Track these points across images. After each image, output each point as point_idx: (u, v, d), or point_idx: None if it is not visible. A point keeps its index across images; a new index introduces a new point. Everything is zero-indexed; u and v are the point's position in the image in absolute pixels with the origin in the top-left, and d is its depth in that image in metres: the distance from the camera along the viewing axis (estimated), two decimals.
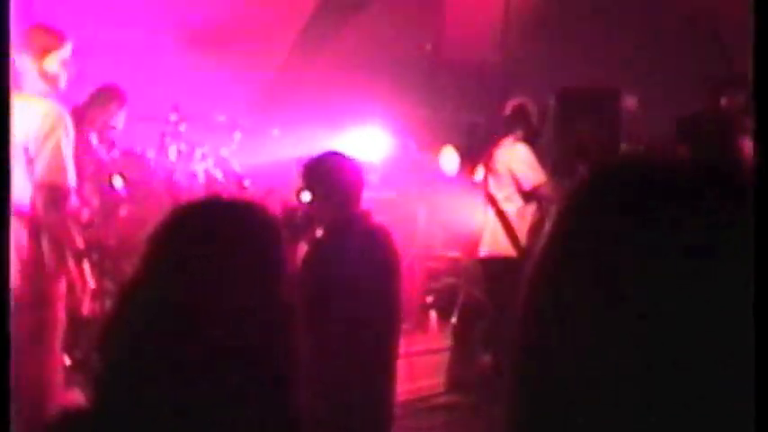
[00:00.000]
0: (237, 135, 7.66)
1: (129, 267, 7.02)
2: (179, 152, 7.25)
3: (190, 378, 1.78)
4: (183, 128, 7.27)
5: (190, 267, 1.88)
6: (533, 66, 8.33)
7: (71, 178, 4.88)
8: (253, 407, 1.80)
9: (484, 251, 6.76)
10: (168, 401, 1.78)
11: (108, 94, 6.74)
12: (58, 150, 4.83)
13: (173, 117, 7.24)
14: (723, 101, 6.76)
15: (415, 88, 8.65)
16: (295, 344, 1.90)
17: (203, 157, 7.45)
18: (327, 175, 4.68)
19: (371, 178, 7.91)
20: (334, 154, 4.85)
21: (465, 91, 7.50)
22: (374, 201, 7.36)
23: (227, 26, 8.30)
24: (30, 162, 4.75)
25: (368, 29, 9.00)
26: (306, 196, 4.63)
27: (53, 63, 4.96)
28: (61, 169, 4.83)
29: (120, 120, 6.81)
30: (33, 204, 4.75)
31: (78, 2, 6.88)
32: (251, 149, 7.71)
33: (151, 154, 7.25)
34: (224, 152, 7.61)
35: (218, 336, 1.81)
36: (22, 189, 4.71)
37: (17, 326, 4.70)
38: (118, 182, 6.65)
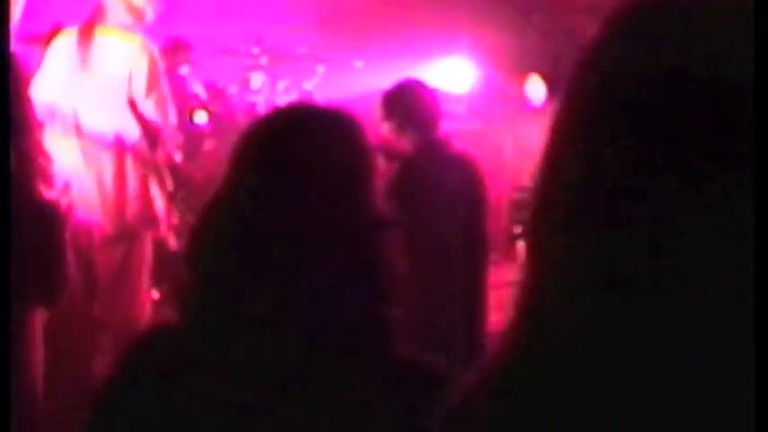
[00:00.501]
0: (320, 68, 7.59)
1: None
2: (261, 85, 7.21)
3: (282, 287, 1.73)
4: (264, 61, 7.22)
5: (281, 173, 1.81)
6: None
7: (173, 118, 4.91)
8: (350, 319, 1.73)
9: None
10: (258, 314, 1.72)
11: (173, 46, 6.68)
12: (162, 90, 4.85)
13: (254, 50, 7.19)
14: None
15: (500, 17, 8.50)
16: (395, 251, 1.83)
17: (286, 90, 7.40)
18: (403, 102, 4.75)
19: (458, 109, 7.83)
20: (410, 82, 4.93)
21: (551, 18, 7.32)
22: (460, 132, 7.28)
23: None
24: (132, 97, 4.75)
25: None
26: (386, 127, 4.68)
27: None
28: (167, 109, 4.86)
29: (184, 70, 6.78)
30: (138, 142, 4.75)
31: None
32: (334, 82, 7.64)
33: (234, 88, 7.23)
34: (307, 85, 7.55)
35: (312, 242, 1.75)
36: (119, 122, 4.72)
37: (106, 260, 4.76)
38: (201, 117, 6.64)
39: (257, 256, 1.75)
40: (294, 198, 1.78)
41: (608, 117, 0.81)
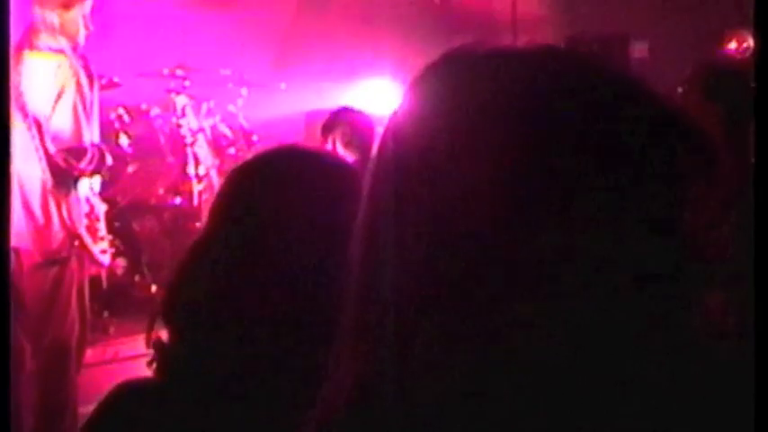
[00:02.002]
0: (244, 90, 7.57)
1: (137, 225, 7.03)
2: (184, 108, 7.16)
3: (256, 345, 1.71)
4: (188, 83, 7.18)
5: (270, 218, 1.79)
6: (542, 10, 8.22)
7: (87, 138, 4.84)
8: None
9: None
10: (232, 370, 1.70)
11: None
12: (76, 107, 4.78)
13: (178, 72, 7.15)
14: (732, 45, 6.68)
15: (424, 38, 8.55)
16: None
17: (210, 112, 7.36)
18: (341, 127, 4.93)
19: (380, 131, 7.85)
20: (347, 108, 5.12)
21: (474, 38, 7.38)
22: None
23: None
24: (40, 123, 4.68)
25: None
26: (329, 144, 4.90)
27: (74, 16, 4.86)
28: (80, 127, 4.79)
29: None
30: (49, 165, 4.68)
31: None
32: (258, 104, 7.63)
33: (156, 111, 7.17)
34: (231, 107, 7.53)
35: (299, 291, 1.73)
36: (29, 150, 4.65)
37: (35, 287, 4.69)
38: (124, 140, 6.58)
39: (233, 312, 1.73)
40: (269, 253, 1.75)
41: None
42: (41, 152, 4.64)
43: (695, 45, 6.85)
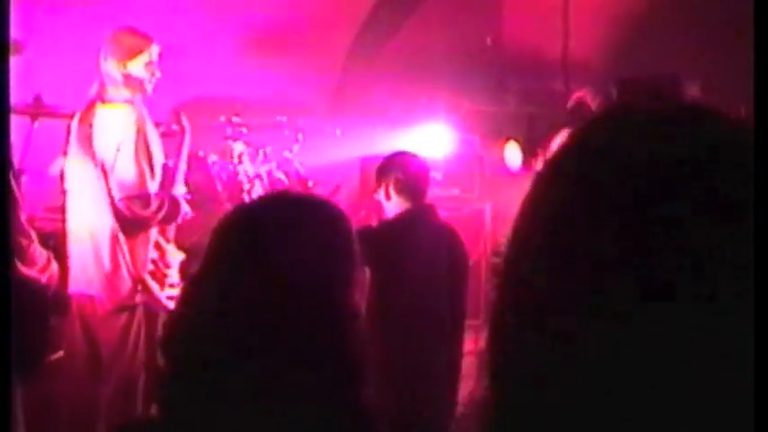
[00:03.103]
0: (300, 136, 7.64)
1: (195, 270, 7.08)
2: (241, 155, 7.23)
3: (261, 376, 1.73)
4: (245, 130, 7.26)
5: (261, 263, 1.81)
6: (595, 54, 8.22)
7: (152, 186, 4.90)
8: (323, 404, 1.75)
9: None
10: (239, 402, 1.72)
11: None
12: (139, 154, 4.85)
13: (235, 119, 7.23)
14: None
15: (477, 83, 8.58)
16: (363, 340, 1.85)
17: (266, 158, 7.43)
18: (393, 171, 4.88)
19: (435, 176, 7.88)
20: (401, 153, 5.05)
21: (526, 83, 7.41)
22: (439, 198, 7.32)
23: (287, 28, 8.30)
24: (107, 171, 4.77)
25: (426, 25, 8.95)
26: (379, 195, 4.83)
27: (137, 67, 4.94)
28: (138, 177, 4.85)
29: None
30: (114, 212, 4.77)
31: (137, 9, 6.92)
32: (314, 150, 7.68)
33: (214, 157, 7.25)
34: (287, 153, 7.59)
35: (288, 333, 1.75)
36: (98, 198, 4.75)
37: (106, 334, 4.76)
38: (180, 188, 6.65)
39: (231, 347, 1.75)
40: (268, 291, 1.78)
41: (580, 211, 0.81)
42: (108, 200, 4.73)
43: (748, 84, 6.80)
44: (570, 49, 8.55)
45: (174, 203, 5.01)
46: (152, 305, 4.87)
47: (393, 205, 4.79)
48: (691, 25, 7.93)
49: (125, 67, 4.88)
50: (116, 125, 4.82)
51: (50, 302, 3.98)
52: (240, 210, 1.97)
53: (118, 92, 4.88)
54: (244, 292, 1.78)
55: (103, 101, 4.86)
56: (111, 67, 4.88)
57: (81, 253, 4.79)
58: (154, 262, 4.92)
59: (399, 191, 4.84)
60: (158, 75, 4.99)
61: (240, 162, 7.21)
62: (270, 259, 1.81)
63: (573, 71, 8.44)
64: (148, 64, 4.96)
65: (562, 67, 8.53)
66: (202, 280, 1.85)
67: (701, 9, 7.60)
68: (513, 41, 8.84)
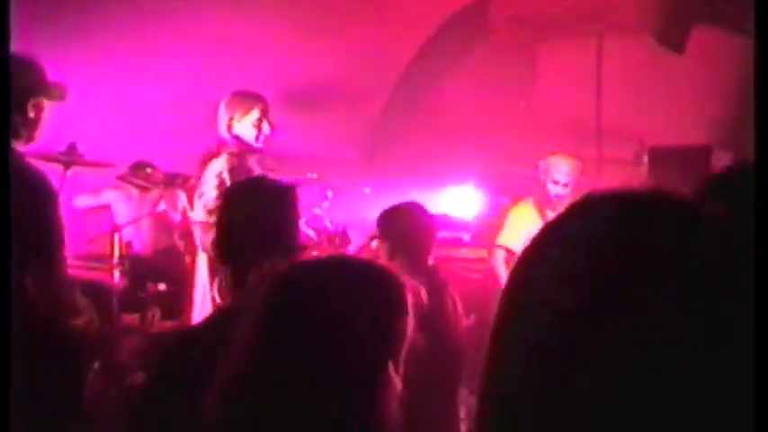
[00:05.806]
0: (329, 193, 7.67)
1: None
2: None
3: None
4: None
5: (318, 327, 1.81)
6: (626, 118, 8.23)
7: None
8: None
9: None
10: None
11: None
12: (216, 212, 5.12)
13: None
14: None
15: (507, 144, 8.60)
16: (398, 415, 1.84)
17: None
18: (398, 224, 4.67)
19: (464, 237, 7.86)
20: (408, 204, 4.82)
21: (558, 149, 7.41)
22: (467, 260, 7.29)
23: (320, 86, 8.36)
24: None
25: (460, 87, 9.00)
26: (375, 244, 4.64)
27: (244, 125, 5.40)
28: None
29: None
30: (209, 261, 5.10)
31: (176, 65, 7.01)
32: (343, 207, 7.70)
33: None
34: (317, 210, 7.61)
35: (347, 396, 1.76)
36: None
37: None
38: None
39: (270, 402, 1.77)
40: (316, 360, 1.80)
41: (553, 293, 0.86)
42: None
43: None
44: (603, 113, 8.57)
45: None
46: None
47: (395, 261, 4.48)
48: (721, 97, 7.93)
49: (232, 126, 5.39)
50: (223, 175, 5.22)
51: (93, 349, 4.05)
52: (302, 272, 1.95)
53: (227, 147, 5.36)
54: (301, 356, 1.78)
55: (217, 156, 5.32)
56: (221, 126, 5.39)
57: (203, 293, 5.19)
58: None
59: (400, 246, 4.57)
60: (266, 131, 5.43)
61: None
62: (337, 326, 1.81)
63: (606, 136, 8.45)
64: (258, 119, 5.42)
65: (596, 131, 8.55)
66: (265, 344, 1.85)
67: (733, 77, 7.61)
68: (546, 106, 8.87)
